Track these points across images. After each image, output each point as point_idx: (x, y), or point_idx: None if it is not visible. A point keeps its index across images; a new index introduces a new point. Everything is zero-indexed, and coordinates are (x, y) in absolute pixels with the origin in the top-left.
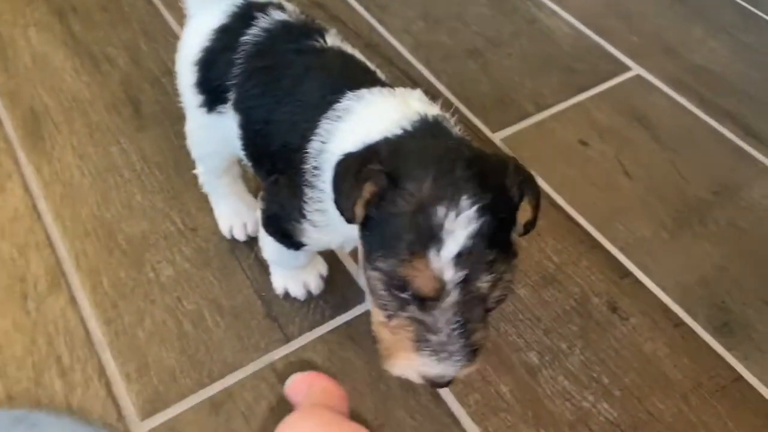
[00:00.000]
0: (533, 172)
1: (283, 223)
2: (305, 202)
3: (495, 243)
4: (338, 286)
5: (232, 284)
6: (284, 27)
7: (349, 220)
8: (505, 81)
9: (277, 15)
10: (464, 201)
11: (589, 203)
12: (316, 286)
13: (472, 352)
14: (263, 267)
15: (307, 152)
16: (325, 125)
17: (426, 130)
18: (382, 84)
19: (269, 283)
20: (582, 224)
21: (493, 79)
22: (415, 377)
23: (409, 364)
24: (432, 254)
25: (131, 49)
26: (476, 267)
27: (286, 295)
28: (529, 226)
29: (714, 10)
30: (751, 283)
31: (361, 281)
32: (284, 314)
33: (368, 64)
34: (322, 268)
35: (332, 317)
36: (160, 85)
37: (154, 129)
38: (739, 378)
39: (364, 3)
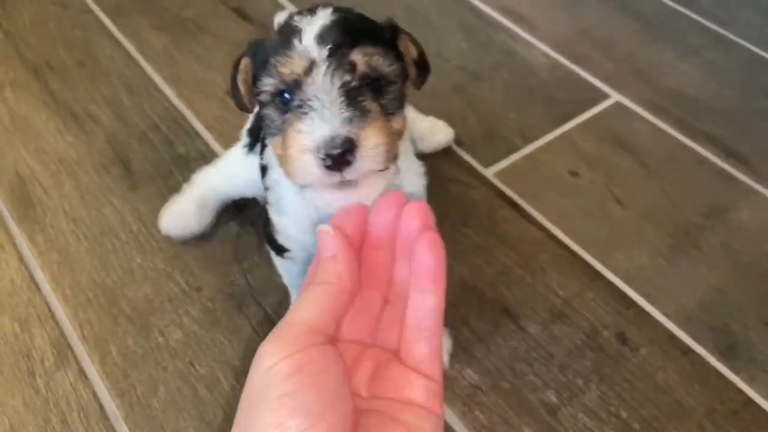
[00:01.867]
0: (530, 207)
1: (266, 227)
2: (266, 186)
3: (359, 32)
4: None
5: (243, 343)
6: None
7: (242, 106)
8: (491, 115)
9: None
10: (320, 10)
11: (587, 234)
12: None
13: (363, 113)
14: (273, 323)
15: (266, 144)
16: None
17: None
18: None
19: None
20: (582, 256)
21: (479, 113)
22: (313, 165)
23: (300, 144)
24: (295, 43)
25: (114, 104)
26: (341, 42)
27: None
28: (422, 66)
29: (681, 33)
30: (750, 304)
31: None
32: None
33: None
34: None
35: None
36: (147, 140)
37: (146, 187)
38: (749, 401)
39: None
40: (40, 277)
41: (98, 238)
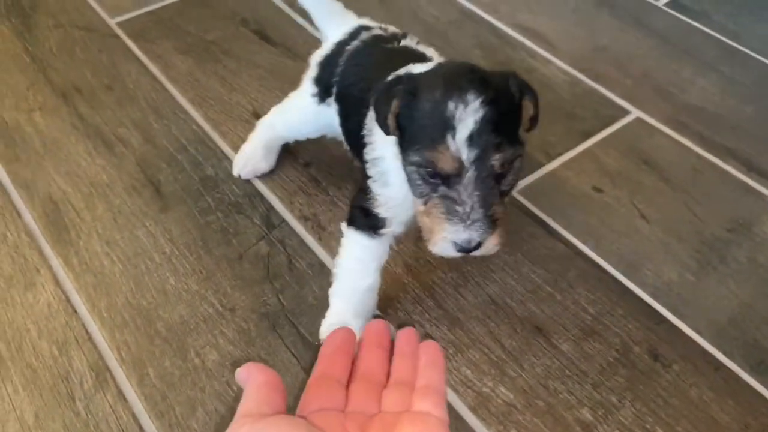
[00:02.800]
0: (556, 224)
1: (360, 201)
2: (365, 160)
3: (500, 130)
4: None
5: (278, 364)
6: (375, 38)
7: (387, 132)
8: None
9: (375, 31)
10: (470, 95)
11: (614, 250)
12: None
13: (492, 222)
14: (307, 343)
15: (365, 122)
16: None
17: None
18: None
19: (314, 360)
20: (610, 272)
21: None
22: (450, 249)
23: (444, 237)
24: (449, 139)
25: (142, 127)
26: (487, 147)
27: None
28: (533, 121)
29: (697, 48)
30: None
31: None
32: None
33: (434, 56)
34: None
35: None
36: (176, 162)
37: (177, 209)
38: None
39: None
40: (76, 299)
41: (132, 260)
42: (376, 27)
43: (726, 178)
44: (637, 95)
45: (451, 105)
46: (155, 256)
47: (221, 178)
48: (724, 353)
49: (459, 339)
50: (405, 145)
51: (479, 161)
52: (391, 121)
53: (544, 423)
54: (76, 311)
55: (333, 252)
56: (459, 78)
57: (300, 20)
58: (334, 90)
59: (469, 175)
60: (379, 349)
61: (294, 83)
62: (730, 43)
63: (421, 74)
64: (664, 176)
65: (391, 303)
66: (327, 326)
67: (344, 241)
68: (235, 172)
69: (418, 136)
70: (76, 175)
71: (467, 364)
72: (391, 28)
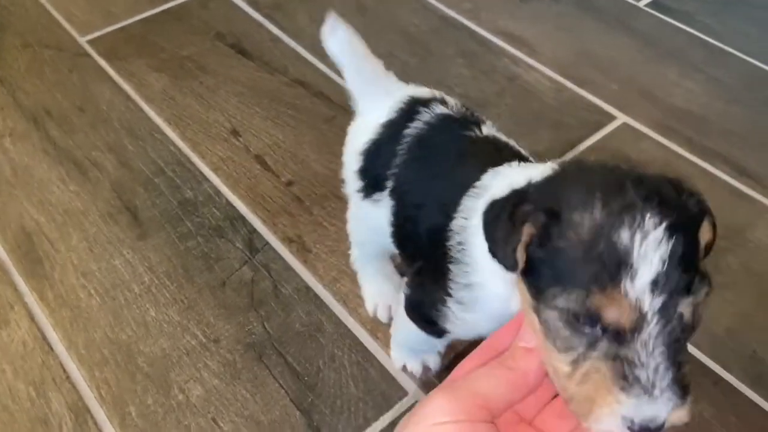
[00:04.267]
0: None
1: (427, 309)
2: (450, 279)
3: (689, 264)
4: (375, 384)
5: (266, 396)
6: (444, 119)
7: (511, 268)
8: None
9: (439, 109)
10: (649, 220)
11: None
12: (434, 362)
13: (683, 389)
14: (294, 373)
15: (450, 230)
16: (466, 202)
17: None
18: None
19: (304, 391)
20: None
21: None
22: (620, 427)
23: (615, 410)
24: (626, 282)
25: (117, 150)
26: (675, 291)
27: (404, 368)
28: (710, 247)
29: (682, 50)
30: None
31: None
32: (326, 423)
33: (521, 150)
34: (439, 344)
35: (375, 418)
36: (153, 186)
37: (156, 235)
38: None
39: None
40: (53, 336)
41: (110, 291)
42: (432, 98)
43: (716, 184)
44: (623, 100)
45: (624, 234)
46: (134, 287)
47: (201, 201)
48: (723, 366)
49: (452, 362)
50: (540, 283)
51: (664, 310)
52: (520, 255)
53: None
54: (52, 349)
55: (319, 275)
56: (622, 189)
57: (277, 32)
58: (390, 184)
59: (651, 329)
60: None
61: (273, 98)
62: (715, 43)
63: (551, 186)
64: None
65: (380, 327)
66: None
67: (405, 316)
68: (372, 315)
69: (568, 273)
70: (49, 204)
71: None
72: (453, 102)
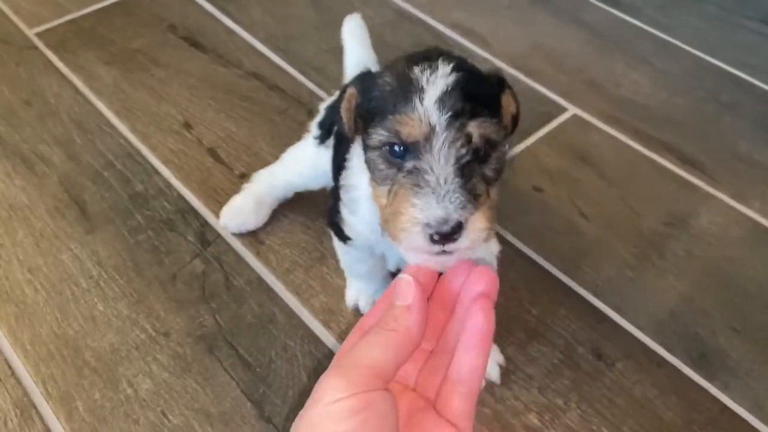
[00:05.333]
0: (497, 226)
1: (332, 216)
2: (341, 185)
3: (477, 99)
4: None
5: (217, 388)
6: None
7: (347, 132)
8: None
9: None
10: (440, 64)
11: (555, 249)
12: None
13: (474, 198)
14: (246, 364)
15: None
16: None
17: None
18: None
19: (255, 382)
20: (552, 272)
21: None
22: (422, 239)
23: (413, 218)
24: (416, 102)
25: (64, 143)
26: (460, 110)
27: (356, 309)
28: (515, 120)
29: (630, 42)
30: (717, 310)
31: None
32: (277, 413)
33: None
34: (376, 278)
35: None
36: (102, 179)
37: (104, 229)
38: (725, 408)
39: (300, 67)
40: None
41: (57, 286)
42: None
43: (662, 172)
44: (572, 92)
45: (417, 71)
46: (82, 281)
47: (151, 195)
48: (666, 348)
49: None
50: (366, 132)
51: (452, 126)
52: (346, 116)
53: (491, 431)
54: None
55: (272, 266)
56: (426, 53)
57: (232, 24)
58: (334, 129)
59: (442, 139)
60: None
61: (227, 90)
62: (662, 36)
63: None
64: (601, 173)
65: (333, 317)
66: (351, 295)
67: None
68: (222, 223)
69: (379, 112)
70: None
71: None
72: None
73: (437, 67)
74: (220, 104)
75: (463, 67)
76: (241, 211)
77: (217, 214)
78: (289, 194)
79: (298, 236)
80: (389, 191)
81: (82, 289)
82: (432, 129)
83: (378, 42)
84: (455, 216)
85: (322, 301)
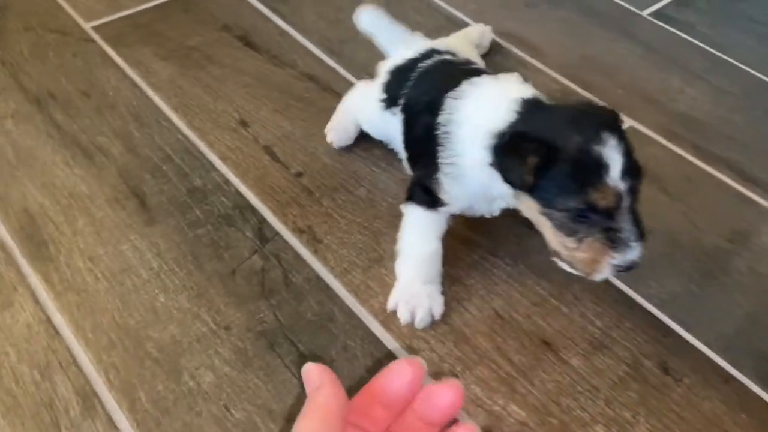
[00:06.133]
0: None
1: (425, 181)
2: (440, 157)
3: (634, 159)
4: None
5: (278, 385)
6: (448, 61)
7: (521, 187)
8: None
9: (447, 56)
10: (604, 135)
11: None
12: (420, 319)
13: (643, 234)
14: (307, 361)
15: (438, 123)
16: (449, 102)
17: (533, 106)
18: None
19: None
20: (615, 284)
21: None
22: (611, 272)
23: (609, 264)
24: (608, 179)
25: (123, 136)
26: (634, 173)
27: (393, 313)
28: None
29: (684, 59)
30: None
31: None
32: None
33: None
34: (437, 307)
35: None
36: (161, 173)
37: (164, 222)
38: None
39: (354, 71)
40: (59, 320)
41: (117, 276)
42: (447, 53)
43: (722, 188)
44: (628, 104)
45: (595, 149)
46: (142, 272)
47: (210, 190)
48: (734, 365)
49: (466, 355)
50: (551, 194)
51: (632, 191)
52: (528, 178)
53: None
54: (58, 332)
55: (330, 265)
56: (581, 121)
57: (285, 26)
58: (402, 101)
59: (626, 203)
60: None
61: (282, 90)
62: (716, 53)
63: (534, 123)
64: (662, 186)
65: (393, 319)
66: (395, 297)
67: (405, 218)
68: (329, 140)
69: (570, 183)
70: (53, 187)
71: (476, 381)
72: (463, 56)
73: (612, 142)
74: (275, 103)
75: (620, 131)
76: (346, 129)
77: (274, 211)
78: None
79: (356, 237)
80: (578, 240)
81: (143, 280)
82: (620, 196)
83: None
84: (638, 257)
85: (381, 302)
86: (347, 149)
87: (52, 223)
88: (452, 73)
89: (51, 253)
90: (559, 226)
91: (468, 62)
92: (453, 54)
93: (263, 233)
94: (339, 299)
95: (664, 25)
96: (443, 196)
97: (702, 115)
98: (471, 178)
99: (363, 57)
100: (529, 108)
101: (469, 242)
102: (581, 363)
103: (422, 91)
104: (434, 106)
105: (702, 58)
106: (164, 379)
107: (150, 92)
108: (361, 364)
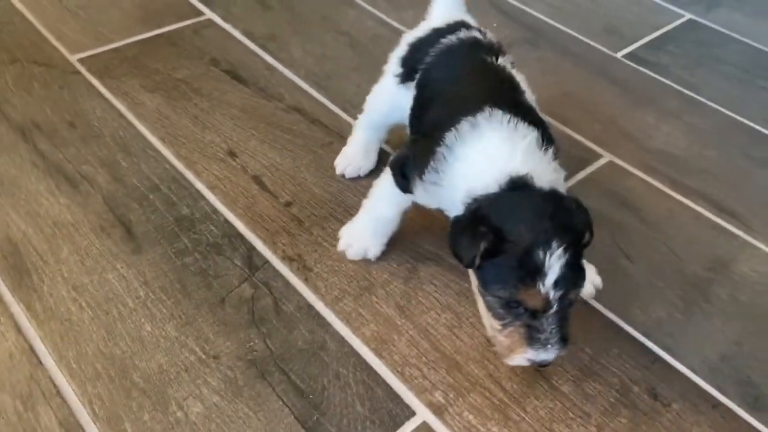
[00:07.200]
0: None
1: (407, 168)
2: (427, 166)
3: (576, 268)
4: (382, 403)
5: (269, 414)
6: (473, 40)
7: (468, 266)
8: None
9: (474, 33)
10: (554, 244)
11: (605, 290)
12: (374, 255)
13: (564, 341)
14: (299, 391)
15: (445, 134)
16: (463, 125)
17: (515, 188)
18: (520, 110)
19: (308, 409)
20: (602, 311)
21: None
22: (525, 362)
23: (523, 357)
24: (540, 285)
25: (109, 165)
26: (568, 286)
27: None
28: (587, 245)
29: (659, 97)
30: (766, 355)
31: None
32: None
33: (521, 85)
34: (372, 250)
35: None
36: (148, 202)
37: (151, 250)
38: None
39: (340, 104)
40: (42, 349)
41: (103, 305)
42: (476, 28)
43: (700, 219)
44: (607, 140)
45: (539, 253)
46: (128, 301)
47: (198, 218)
48: (720, 390)
49: (458, 382)
50: (486, 278)
51: (563, 299)
52: (477, 261)
53: None
54: (41, 362)
55: (321, 293)
56: (540, 221)
57: (272, 61)
58: (418, 76)
59: (553, 310)
60: None
61: (270, 122)
62: (689, 93)
63: (500, 209)
64: (642, 217)
65: (385, 346)
66: (346, 231)
67: (381, 178)
68: (339, 172)
69: (506, 276)
70: (37, 215)
71: (469, 408)
72: (490, 34)
73: (558, 252)
74: (263, 135)
75: (570, 241)
76: (354, 159)
77: (264, 240)
78: (383, 133)
79: (346, 265)
80: (503, 324)
81: (129, 309)
82: (548, 302)
83: None
84: (552, 358)
85: (372, 330)
86: (336, 181)
87: (36, 251)
88: (480, 71)
89: (34, 282)
90: (489, 307)
91: (496, 49)
92: (482, 32)
93: (253, 261)
94: (330, 327)
95: (637, 66)
96: (415, 191)
97: (677, 150)
98: (442, 198)
99: (349, 91)
100: (512, 187)
101: (459, 271)
102: (572, 389)
103: (441, 75)
104: (446, 110)
105: (676, 98)
106: (151, 410)
107: (136, 122)
108: (354, 392)
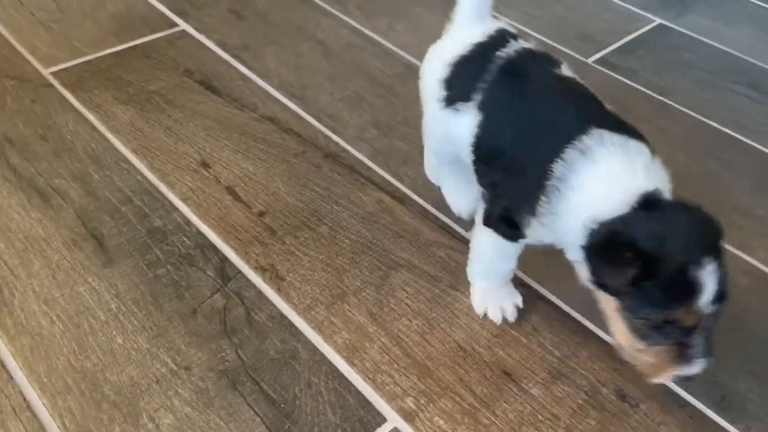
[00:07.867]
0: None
1: (513, 215)
2: (540, 205)
3: (725, 277)
4: (353, 411)
5: (241, 424)
6: (529, 51)
7: (614, 295)
8: None
9: (524, 43)
10: (705, 259)
11: (572, 292)
12: (511, 313)
13: (710, 353)
14: (270, 400)
15: (550, 168)
16: (570, 153)
17: (647, 206)
18: (615, 123)
19: (280, 418)
20: (571, 314)
21: None
22: (671, 380)
23: (675, 375)
24: (697, 303)
25: (81, 179)
26: (723, 298)
27: (485, 316)
28: None
29: (629, 102)
30: (733, 356)
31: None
32: None
33: (596, 95)
34: (518, 299)
35: None
36: (120, 214)
37: (123, 263)
38: None
39: (314, 114)
40: (12, 364)
41: (74, 318)
42: (517, 35)
43: None
44: None
45: (692, 272)
46: (100, 314)
47: (170, 230)
48: (687, 391)
49: (429, 388)
50: (638, 303)
51: (716, 313)
52: (626, 289)
53: None
54: (11, 377)
55: (293, 303)
56: (689, 238)
57: (246, 71)
58: (478, 97)
59: (705, 324)
60: None
61: (243, 132)
62: (658, 97)
63: (640, 229)
64: None
65: (357, 354)
66: (482, 302)
67: (482, 238)
68: (457, 213)
69: (660, 298)
70: (8, 230)
71: (440, 413)
72: (534, 43)
73: (711, 267)
74: (237, 145)
75: (722, 257)
76: (460, 197)
77: (237, 250)
78: (450, 161)
79: (319, 274)
80: (649, 344)
81: (101, 322)
82: (703, 318)
83: (390, 93)
84: (701, 371)
85: (344, 338)
86: (309, 190)
87: (7, 266)
88: (555, 85)
89: (5, 297)
90: (634, 329)
91: (550, 57)
92: (524, 39)
93: (225, 272)
94: (302, 336)
95: (608, 71)
96: (527, 233)
97: None
98: (559, 233)
99: (323, 100)
100: (646, 205)
101: (431, 277)
102: (541, 392)
103: (515, 98)
104: (542, 138)
105: (645, 102)
106: (122, 422)
107: (109, 135)
108: (325, 400)
